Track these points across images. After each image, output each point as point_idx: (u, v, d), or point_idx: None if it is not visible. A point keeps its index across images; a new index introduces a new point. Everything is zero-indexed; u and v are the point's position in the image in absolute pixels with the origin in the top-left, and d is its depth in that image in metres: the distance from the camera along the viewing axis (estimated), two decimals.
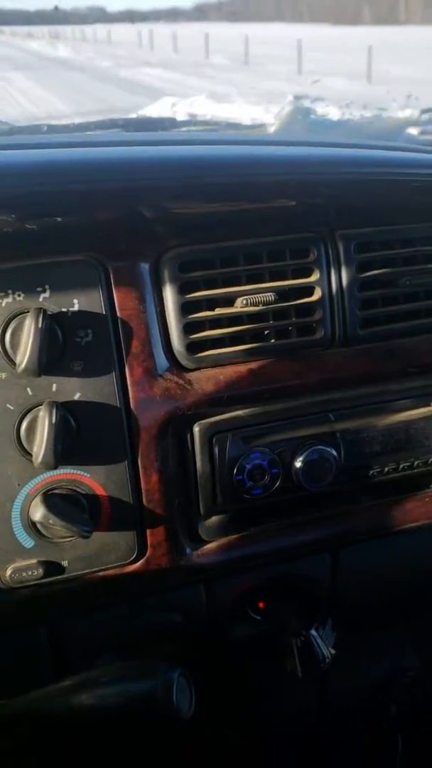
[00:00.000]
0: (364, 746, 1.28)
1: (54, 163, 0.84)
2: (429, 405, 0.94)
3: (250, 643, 1.07)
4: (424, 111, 2.73)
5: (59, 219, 0.77)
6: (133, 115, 2.96)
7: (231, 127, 2.30)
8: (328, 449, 0.88)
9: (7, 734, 0.68)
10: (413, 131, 2.71)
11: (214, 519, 0.90)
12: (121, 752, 0.91)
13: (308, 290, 0.88)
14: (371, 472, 0.92)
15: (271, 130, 2.41)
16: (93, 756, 0.91)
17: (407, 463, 0.94)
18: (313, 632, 1.00)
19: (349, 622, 1.09)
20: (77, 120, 2.02)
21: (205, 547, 0.90)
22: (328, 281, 0.88)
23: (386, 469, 0.93)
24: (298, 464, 0.87)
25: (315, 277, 0.88)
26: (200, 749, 1.11)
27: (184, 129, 1.96)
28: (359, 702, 1.29)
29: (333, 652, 0.99)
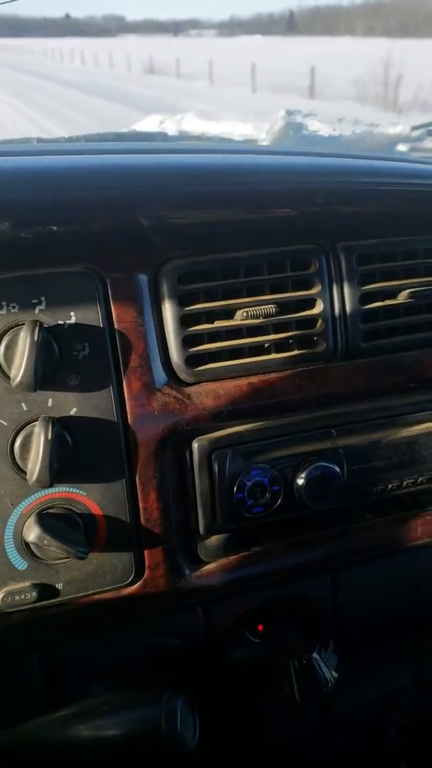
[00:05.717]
0: None
1: (48, 170, 0.82)
2: None
3: (250, 667, 1.04)
4: (414, 127, 2.74)
5: (55, 228, 0.74)
6: (124, 130, 2.94)
7: (223, 142, 2.29)
8: (331, 466, 0.85)
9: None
10: (403, 147, 2.72)
11: (214, 539, 0.88)
12: None
13: (310, 302, 0.86)
14: (375, 489, 0.90)
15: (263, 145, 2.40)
16: None
17: (411, 480, 0.91)
18: (316, 655, 0.97)
19: (350, 643, 1.06)
20: (67, 134, 2.01)
21: (204, 568, 0.87)
22: (329, 293, 0.86)
23: (390, 485, 0.90)
24: (300, 481, 0.85)
25: (316, 289, 0.86)
26: None
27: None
28: (360, 724, 1.25)
29: (336, 675, 0.96)
